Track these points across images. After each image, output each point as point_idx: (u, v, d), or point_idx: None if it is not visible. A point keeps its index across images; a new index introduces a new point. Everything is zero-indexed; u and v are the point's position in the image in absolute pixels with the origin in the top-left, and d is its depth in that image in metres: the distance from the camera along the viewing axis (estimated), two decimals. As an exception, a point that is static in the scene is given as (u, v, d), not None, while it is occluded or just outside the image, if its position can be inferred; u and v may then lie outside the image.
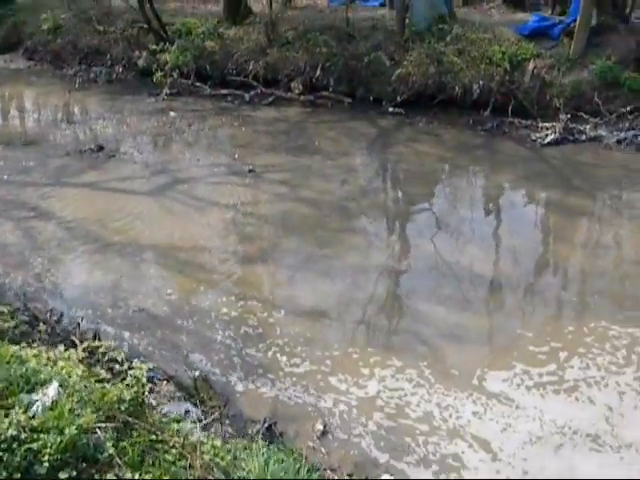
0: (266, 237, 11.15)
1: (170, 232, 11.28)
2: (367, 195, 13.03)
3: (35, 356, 4.61)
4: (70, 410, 3.75)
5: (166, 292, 9.51)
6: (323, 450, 6.69)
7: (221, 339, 8.43)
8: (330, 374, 7.74)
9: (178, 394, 7.27)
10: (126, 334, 8.58)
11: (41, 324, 7.55)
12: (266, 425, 6.90)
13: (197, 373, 7.72)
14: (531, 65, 16.63)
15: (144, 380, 4.33)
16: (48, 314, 8.90)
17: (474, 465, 6.36)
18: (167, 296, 9.40)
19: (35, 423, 3.65)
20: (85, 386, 4.07)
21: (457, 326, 8.54)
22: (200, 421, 5.76)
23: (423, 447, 6.59)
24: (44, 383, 4.01)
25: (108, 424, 3.72)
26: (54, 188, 13.29)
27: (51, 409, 3.76)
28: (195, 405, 6.97)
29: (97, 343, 6.34)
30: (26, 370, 4.13)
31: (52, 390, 3.86)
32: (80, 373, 4.26)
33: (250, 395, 7.50)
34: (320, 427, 7.01)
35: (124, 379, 4.44)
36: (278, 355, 8.11)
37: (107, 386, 4.27)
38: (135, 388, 4.22)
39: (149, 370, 6.78)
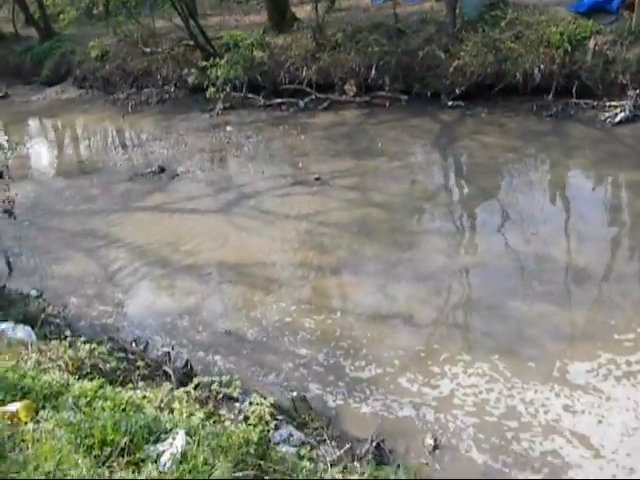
0: (344, 246, 10.83)
1: (243, 249, 11.10)
2: (440, 193, 12.68)
3: (149, 401, 4.38)
4: (203, 461, 3.49)
5: (249, 311, 9.32)
6: (438, 466, 6.41)
7: (313, 356, 8.18)
8: (431, 385, 7.46)
9: (279, 417, 6.99)
10: (217, 358, 8.42)
11: (139, 360, 7.34)
12: (374, 444, 6.61)
13: (294, 394, 7.47)
14: (592, 43, 15.98)
15: (267, 417, 4.06)
16: (133, 344, 8.76)
17: (577, 462, 6.13)
18: (250, 315, 9.21)
19: (170, 478, 3.40)
20: (210, 431, 3.80)
21: (540, 318, 8.28)
22: (309, 446, 5.50)
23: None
24: (167, 432, 3.77)
25: (245, 472, 3.44)
26: (121, 214, 13.26)
27: (180, 461, 3.51)
28: (297, 428, 6.72)
29: (208, 379, 6.07)
30: (146, 419, 3.89)
31: (180, 440, 3.61)
32: (202, 416, 4.00)
33: (351, 412, 7.25)
34: (430, 442, 6.70)
35: (246, 418, 4.17)
36: (374, 368, 7.84)
37: (231, 427, 4.00)
38: (260, 427, 3.95)
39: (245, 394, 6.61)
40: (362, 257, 10.42)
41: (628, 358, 7.31)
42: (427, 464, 6.45)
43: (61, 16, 30.18)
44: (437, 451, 6.55)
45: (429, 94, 17.13)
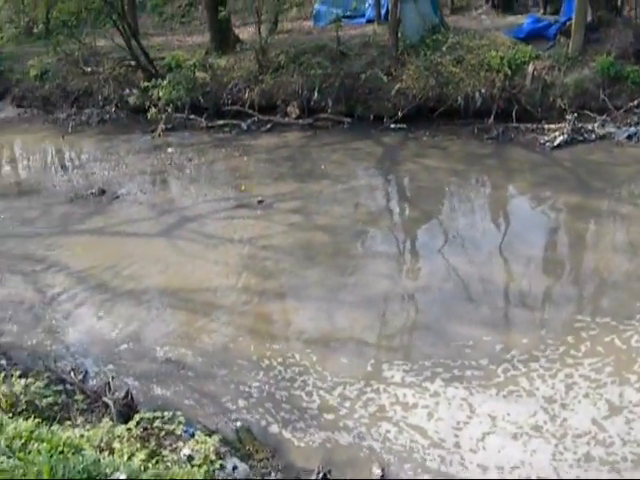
0: (287, 270, 10.75)
1: (185, 274, 10.92)
2: (383, 216, 12.72)
3: (88, 440, 4.19)
4: (145, 508, 3.35)
5: (191, 338, 9.16)
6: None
7: (255, 384, 8.06)
8: (375, 410, 7.41)
9: (223, 449, 6.82)
10: (157, 389, 8.23)
11: (78, 392, 7.11)
12: (321, 475, 6.50)
13: (239, 424, 7.34)
14: (531, 68, 16.37)
15: (212, 456, 3.92)
16: (72, 373, 8.51)
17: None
18: (192, 342, 9.05)
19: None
20: (153, 474, 3.65)
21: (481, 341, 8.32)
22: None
23: None
24: (107, 476, 3.60)
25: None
26: (61, 237, 12.95)
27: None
28: (242, 459, 6.57)
29: (150, 414, 5.87)
30: (85, 461, 3.70)
31: (121, 485, 3.45)
32: (143, 457, 3.84)
33: (297, 442, 7.13)
34: (378, 471, 6.61)
35: (190, 458, 4.03)
36: (317, 395, 7.77)
37: (174, 468, 3.85)
38: (205, 467, 3.81)
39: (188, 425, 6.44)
40: (306, 281, 10.34)
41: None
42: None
43: (-1, 33, 29.55)
44: (385, 482, 6.47)
45: (372, 117, 17.22)
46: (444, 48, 17.37)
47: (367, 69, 17.57)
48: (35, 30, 28.36)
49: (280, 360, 8.41)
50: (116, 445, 4.16)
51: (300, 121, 17.80)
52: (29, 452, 4.17)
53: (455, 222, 12.24)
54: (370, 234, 11.93)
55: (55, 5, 24.98)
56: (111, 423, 4.92)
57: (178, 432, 4.90)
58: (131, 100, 20.65)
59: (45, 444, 4.28)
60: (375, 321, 9.18)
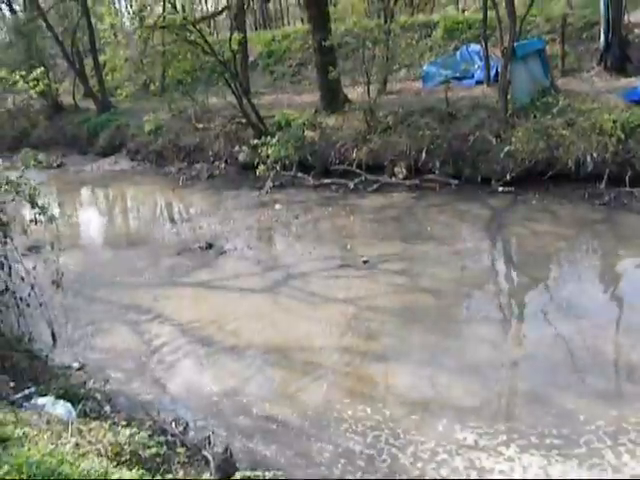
0: (390, 332, 10.60)
1: (288, 331, 10.91)
2: (489, 281, 12.43)
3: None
4: None
5: (289, 396, 9.10)
6: None
7: (354, 446, 7.90)
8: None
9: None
10: (256, 446, 8.17)
11: (179, 445, 7.16)
12: None
13: (336, 486, 7.21)
14: (645, 131, 15.86)
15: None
16: (173, 424, 8.60)
17: None
18: (292, 401, 8.98)
19: None
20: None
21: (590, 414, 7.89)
22: None
23: None
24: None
25: None
26: (167, 289, 13.25)
27: None
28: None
29: (251, 474, 5.83)
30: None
31: None
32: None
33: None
34: None
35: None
36: (416, 461, 7.53)
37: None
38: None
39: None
40: (408, 344, 10.17)
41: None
42: None
43: (119, 90, 31.10)
44: None
45: (479, 179, 17.08)
46: (555, 111, 17.08)
47: (476, 131, 17.50)
48: (152, 88, 29.65)
49: (379, 423, 8.24)
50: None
51: (407, 182, 17.81)
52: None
53: (563, 289, 11.80)
54: (475, 298, 11.67)
55: (171, 64, 26.05)
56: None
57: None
58: (241, 157, 21.26)
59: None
60: (477, 387, 8.88)
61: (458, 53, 23.80)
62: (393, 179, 18.10)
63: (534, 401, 8.43)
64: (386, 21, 20.79)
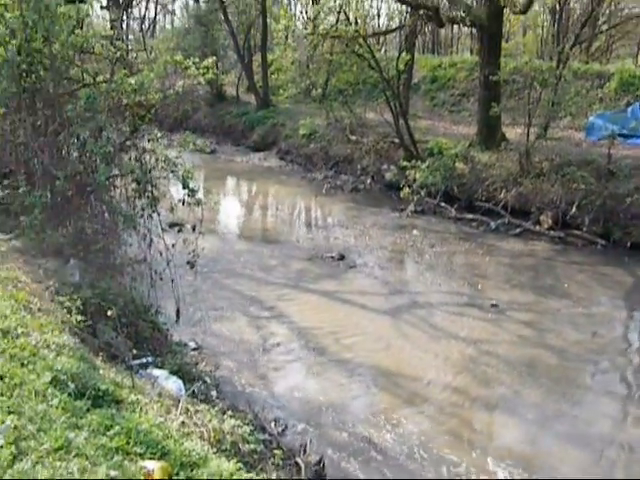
0: (505, 382, 10.25)
1: (403, 358, 10.80)
2: (620, 351, 11.78)
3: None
4: None
5: (391, 423, 8.96)
6: None
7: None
8: None
9: None
10: (351, 465, 8.09)
11: (275, 447, 7.19)
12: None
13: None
14: None
15: None
16: (273, 424, 8.65)
17: None
18: (393, 427, 8.85)
19: None
20: None
21: None
22: None
23: None
24: None
25: None
26: (293, 291, 13.43)
27: None
28: None
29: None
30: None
31: None
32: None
33: None
34: None
35: None
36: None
37: None
38: None
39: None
40: (522, 399, 9.78)
41: None
42: None
43: (281, 90, 31.93)
44: None
45: (629, 244, 16.27)
46: None
47: (635, 193, 16.67)
48: (313, 93, 30.23)
49: (472, 471, 7.98)
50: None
51: (551, 232, 17.21)
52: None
53: None
54: (602, 367, 11.09)
55: (335, 73, 26.51)
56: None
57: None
58: (387, 175, 21.30)
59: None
60: (583, 461, 8.42)
61: (630, 109, 22.80)
62: (537, 227, 17.55)
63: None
64: (558, 65, 20.27)
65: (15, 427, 4.11)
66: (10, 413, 4.28)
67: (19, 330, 5.72)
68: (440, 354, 10.96)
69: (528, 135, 19.25)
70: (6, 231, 9.66)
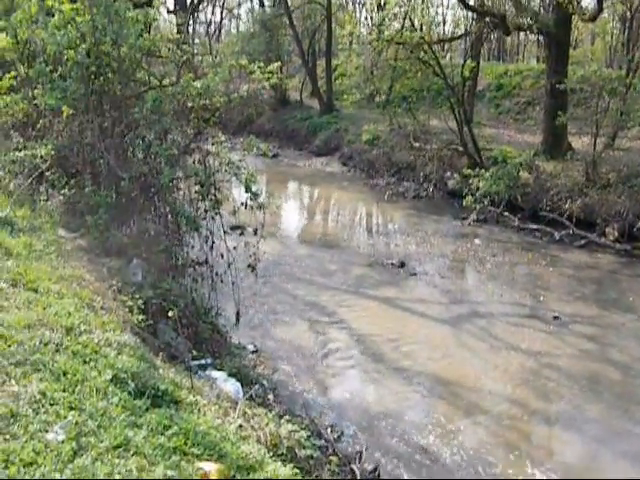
0: (565, 396, 10.04)
1: (462, 368, 10.69)
2: (689, 373, 11.47)
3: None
4: None
5: (447, 433, 8.87)
6: None
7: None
8: None
9: None
10: (404, 473, 8.05)
11: (332, 453, 7.19)
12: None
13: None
14: None
15: None
16: (329, 429, 8.65)
17: None
18: (448, 438, 8.75)
19: None
20: None
21: None
22: None
23: None
24: None
25: None
26: (352, 297, 13.44)
27: None
28: None
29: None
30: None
31: None
32: None
33: None
34: None
35: None
36: None
37: None
38: None
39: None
40: (582, 415, 9.56)
41: None
42: None
43: (344, 95, 32.00)
44: None
45: (700, 262, 15.80)
46: None
47: None
48: (377, 99, 30.24)
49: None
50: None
51: (617, 245, 16.80)
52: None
53: None
54: (669, 386, 10.81)
55: (399, 80, 26.47)
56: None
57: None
58: (450, 183, 21.15)
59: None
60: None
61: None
62: (602, 239, 17.15)
63: None
64: (628, 74, 19.81)
65: (76, 423, 4.19)
66: (71, 409, 4.36)
67: (82, 327, 5.82)
68: (500, 365, 10.83)
69: (595, 145, 18.88)
70: (72, 230, 9.85)
